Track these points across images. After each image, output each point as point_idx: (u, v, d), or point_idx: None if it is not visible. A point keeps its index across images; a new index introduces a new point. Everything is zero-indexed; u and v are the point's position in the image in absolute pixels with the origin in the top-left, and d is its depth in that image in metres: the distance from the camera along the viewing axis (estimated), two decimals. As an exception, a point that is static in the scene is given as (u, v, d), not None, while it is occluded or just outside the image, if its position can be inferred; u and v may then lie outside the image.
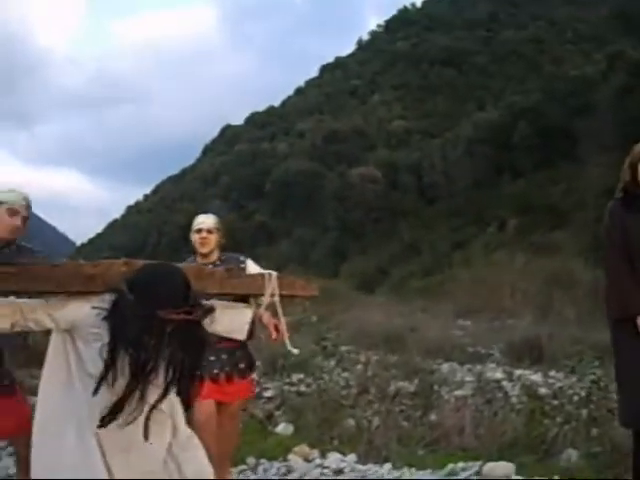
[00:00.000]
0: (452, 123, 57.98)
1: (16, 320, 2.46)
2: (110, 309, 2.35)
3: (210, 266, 4.28)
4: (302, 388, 7.97)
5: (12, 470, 5.34)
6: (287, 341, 3.39)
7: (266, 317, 3.44)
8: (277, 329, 3.46)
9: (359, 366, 9.29)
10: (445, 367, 9.23)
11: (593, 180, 34.29)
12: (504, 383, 7.51)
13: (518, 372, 8.30)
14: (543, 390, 6.98)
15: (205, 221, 4.67)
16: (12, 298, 2.53)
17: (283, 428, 6.77)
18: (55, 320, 2.48)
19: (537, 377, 7.73)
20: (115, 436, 2.47)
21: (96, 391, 2.33)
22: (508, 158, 48.93)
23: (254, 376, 4.83)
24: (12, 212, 3.57)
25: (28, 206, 3.69)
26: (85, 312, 2.44)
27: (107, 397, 2.37)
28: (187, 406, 2.65)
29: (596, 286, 12.10)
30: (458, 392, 7.36)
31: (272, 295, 3.28)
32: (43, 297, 2.56)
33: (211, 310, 2.45)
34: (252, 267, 4.43)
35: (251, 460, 5.53)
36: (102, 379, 2.32)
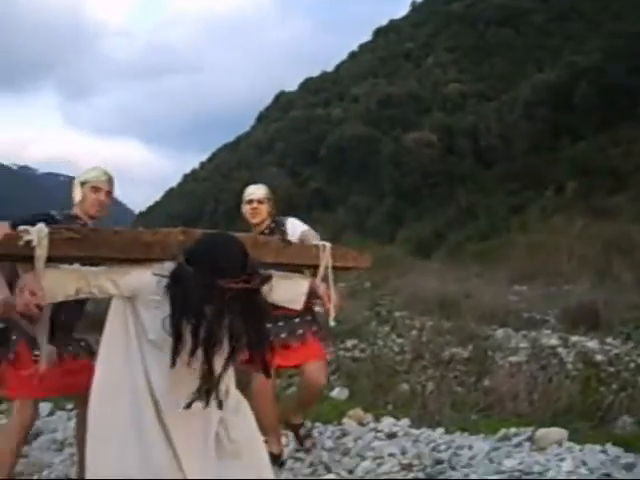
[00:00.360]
0: (509, 85, 56.71)
1: (80, 286, 2.55)
2: (171, 279, 2.41)
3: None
4: (356, 354, 8.07)
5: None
6: (332, 314, 3.43)
7: (322, 288, 3.45)
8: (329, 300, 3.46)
9: (413, 332, 9.35)
10: (500, 333, 9.20)
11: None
12: (559, 349, 7.47)
13: (574, 338, 8.23)
14: (599, 357, 6.94)
15: (255, 192, 4.74)
16: (77, 265, 2.64)
17: (338, 392, 6.89)
18: (118, 286, 2.56)
19: (593, 344, 7.66)
20: (176, 404, 2.54)
21: (173, 364, 2.41)
22: (567, 120, 47.73)
23: (322, 342, 4.81)
24: (95, 189, 3.86)
25: (110, 181, 3.95)
26: (147, 279, 2.51)
27: (167, 367, 2.43)
28: (267, 374, 2.67)
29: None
30: (512, 358, 7.36)
31: (326, 267, 3.33)
32: (105, 265, 2.64)
33: (269, 278, 2.49)
34: (292, 225, 4.59)
35: (307, 423, 5.68)
36: (175, 353, 2.39)
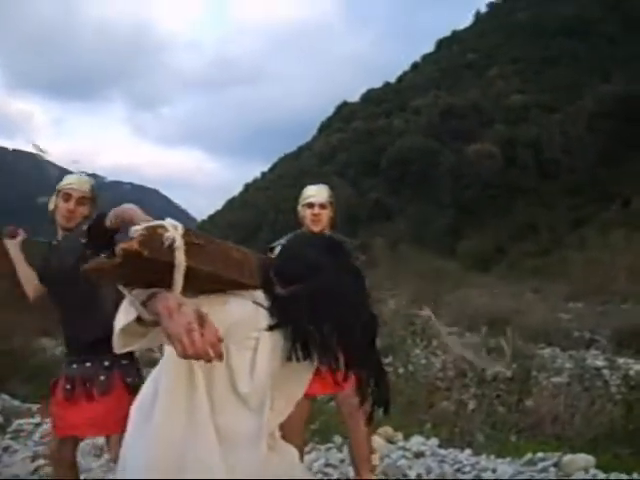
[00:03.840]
0: (574, 96, 55.73)
1: None
2: (279, 313, 1.87)
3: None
4: (393, 370, 8.03)
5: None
6: None
7: None
8: None
9: (457, 349, 9.24)
10: (547, 352, 9.05)
11: None
12: (604, 371, 7.30)
13: (621, 360, 8.04)
14: (646, 381, 6.76)
15: (318, 194, 4.14)
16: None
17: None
18: (219, 321, 1.78)
19: (640, 366, 7.48)
20: None
21: None
22: (634, 132, 46.64)
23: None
24: (66, 197, 3.54)
25: (84, 187, 3.58)
26: (249, 311, 1.88)
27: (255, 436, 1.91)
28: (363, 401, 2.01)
29: None
30: (555, 379, 7.22)
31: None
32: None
33: None
34: None
35: (337, 439, 5.67)
36: None
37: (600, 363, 7.87)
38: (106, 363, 3.28)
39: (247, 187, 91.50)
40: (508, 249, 44.25)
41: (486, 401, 6.91)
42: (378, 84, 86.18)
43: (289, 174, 76.48)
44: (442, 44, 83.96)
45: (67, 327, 3.42)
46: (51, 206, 3.57)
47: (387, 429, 5.89)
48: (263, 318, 1.87)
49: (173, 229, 1.68)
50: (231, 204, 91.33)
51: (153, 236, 1.64)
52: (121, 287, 1.75)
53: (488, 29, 76.66)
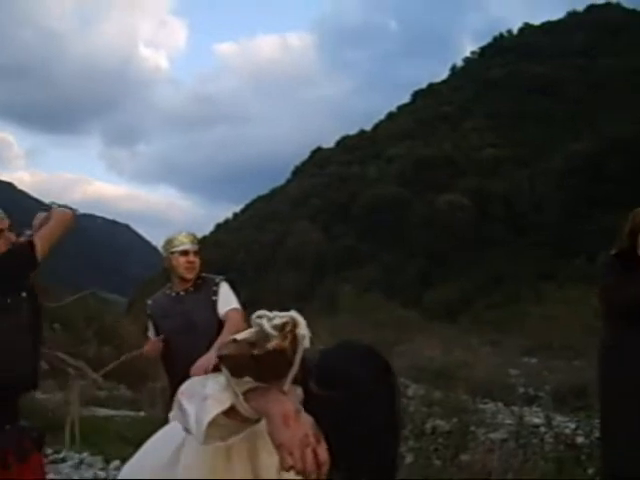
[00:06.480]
0: (544, 153, 56.78)
1: None
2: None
3: (184, 291, 4.13)
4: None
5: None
6: None
7: None
8: None
9: (403, 400, 9.18)
10: (489, 407, 9.01)
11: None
12: (541, 428, 7.27)
13: (558, 418, 8.02)
14: (580, 439, 6.72)
15: (190, 241, 4.20)
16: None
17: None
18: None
19: (576, 424, 7.44)
20: None
21: None
22: (601, 190, 47.52)
23: None
24: None
25: None
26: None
27: None
28: None
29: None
30: (493, 434, 7.17)
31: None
32: None
33: None
34: (224, 291, 4.06)
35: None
36: None
37: (538, 420, 7.85)
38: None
39: (218, 227, 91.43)
40: (474, 300, 44.50)
41: (423, 454, 6.84)
42: (354, 131, 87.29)
43: (261, 216, 76.66)
44: (418, 95, 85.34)
45: None
46: None
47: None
48: None
49: (303, 325, 1.44)
50: (202, 243, 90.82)
51: (293, 334, 1.42)
52: (225, 370, 1.44)
53: (463, 83, 78.16)
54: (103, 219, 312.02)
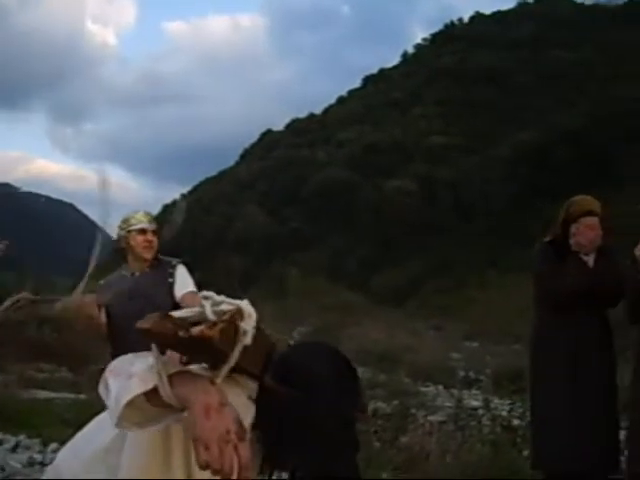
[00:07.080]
0: (492, 141, 57.47)
1: None
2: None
3: (140, 272, 4.06)
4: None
5: None
6: None
7: None
8: None
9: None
10: (430, 390, 9.16)
11: (631, 207, 33.69)
12: (480, 411, 7.42)
13: (496, 401, 8.19)
14: (517, 422, 6.87)
15: (148, 220, 4.09)
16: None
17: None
18: None
19: (513, 407, 7.62)
20: None
21: None
22: (547, 180, 48.35)
23: None
24: None
25: None
26: (239, 405, 1.40)
27: None
28: None
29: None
30: (432, 417, 7.29)
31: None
32: None
33: None
34: (181, 274, 3.99)
35: None
36: None
37: (476, 403, 8.00)
38: None
39: (165, 208, 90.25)
40: (421, 285, 44.95)
41: (363, 436, 6.90)
42: (303, 115, 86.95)
43: (209, 198, 75.92)
44: (369, 81, 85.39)
45: None
46: None
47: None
48: (251, 417, 1.49)
49: (249, 319, 1.35)
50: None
51: (230, 325, 1.33)
52: (154, 348, 1.32)
53: (414, 70, 78.43)
54: (47, 197, 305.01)
